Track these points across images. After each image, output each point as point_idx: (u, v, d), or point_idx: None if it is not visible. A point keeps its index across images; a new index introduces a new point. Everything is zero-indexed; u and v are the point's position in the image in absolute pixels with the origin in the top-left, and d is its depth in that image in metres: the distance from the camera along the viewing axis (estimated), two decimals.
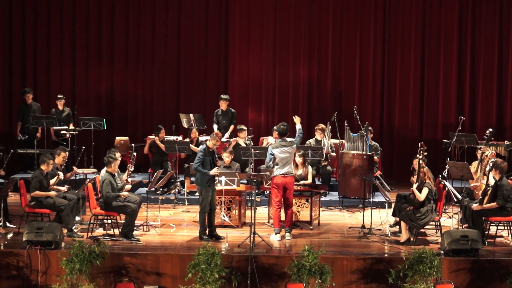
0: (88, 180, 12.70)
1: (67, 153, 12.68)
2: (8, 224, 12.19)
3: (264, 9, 16.96)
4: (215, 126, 15.23)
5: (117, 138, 16.07)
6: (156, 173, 12.73)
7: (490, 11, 16.63)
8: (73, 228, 11.85)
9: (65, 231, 11.63)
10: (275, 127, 13.38)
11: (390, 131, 17.01)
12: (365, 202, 12.95)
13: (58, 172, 12.18)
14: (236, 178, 12.39)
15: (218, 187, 12.01)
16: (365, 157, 14.18)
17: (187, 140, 14.92)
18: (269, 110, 17.08)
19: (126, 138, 16.13)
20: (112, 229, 11.87)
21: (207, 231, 11.80)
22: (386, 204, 12.65)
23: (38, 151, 14.71)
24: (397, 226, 12.14)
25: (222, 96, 15.46)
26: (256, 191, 13.54)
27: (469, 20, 16.70)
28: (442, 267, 10.57)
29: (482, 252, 10.96)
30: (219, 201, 12.35)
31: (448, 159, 14.37)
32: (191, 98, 17.08)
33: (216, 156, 12.01)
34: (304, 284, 10.36)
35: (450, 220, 12.68)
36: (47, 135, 15.67)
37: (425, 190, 11.50)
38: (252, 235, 11.14)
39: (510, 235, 11.82)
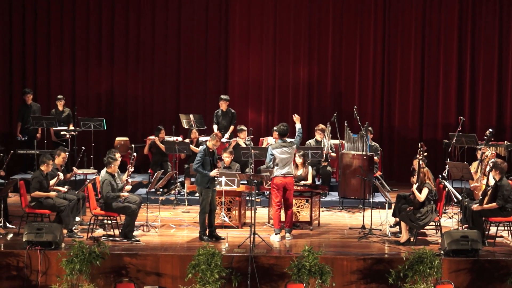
0: (88, 180, 12.70)
1: (67, 153, 12.67)
2: (8, 225, 12.19)
3: (264, 9, 16.96)
4: (215, 127, 15.23)
5: (117, 138, 16.06)
6: (156, 174, 12.73)
7: (490, 11, 16.62)
8: (73, 228, 11.85)
9: (65, 231, 11.64)
10: (275, 128, 13.38)
11: (390, 131, 17.01)
12: (365, 203, 12.96)
13: (58, 172, 12.18)
14: (236, 179, 12.39)
15: (218, 188, 11.98)
16: (365, 157, 14.18)
17: (187, 140, 14.92)
18: (269, 110, 17.07)
19: (126, 138, 16.12)
20: (112, 230, 11.88)
21: (207, 232, 11.80)
22: (386, 205, 12.66)
23: (38, 152, 14.70)
24: (397, 227, 12.14)
25: (222, 96, 15.46)
26: (256, 191, 13.54)
27: (469, 20, 16.70)
28: (442, 267, 10.57)
29: (482, 252, 10.96)
30: (219, 201, 12.35)
31: (448, 159, 14.38)
32: (191, 98, 17.07)
33: (216, 156, 12.00)
34: (304, 285, 10.36)
35: (450, 220, 12.68)
36: (47, 135, 15.66)
37: (425, 191, 11.50)
38: (252, 236, 11.14)
39: (510, 236, 11.82)
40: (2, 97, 17.05)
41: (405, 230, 11.60)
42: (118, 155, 12.05)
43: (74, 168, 12.99)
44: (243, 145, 14.35)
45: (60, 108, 15.83)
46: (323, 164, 14.62)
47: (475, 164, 13.19)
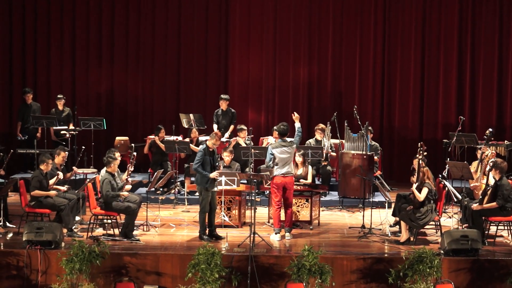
0: (88, 180, 12.70)
1: (67, 153, 12.68)
2: (8, 224, 12.19)
3: (264, 9, 16.96)
4: (215, 126, 15.23)
5: (117, 138, 16.07)
6: (156, 173, 12.72)
7: (490, 11, 16.63)
8: (73, 228, 11.85)
9: (65, 231, 11.63)
10: (275, 127, 13.39)
11: (390, 131, 17.01)
12: (365, 202, 12.95)
13: (58, 172, 12.18)
14: (236, 178, 12.39)
15: (216, 189, 11.91)
16: (365, 157, 14.18)
17: (187, 140, 14.92)
18: (269, 110, 17.08)
19: (126, 138, 16.13)
20: (112, 229, 11.88)
21: (207, 231, 11.80)
22: (386, 204, 12.66)
23: (38, 151, 14.70)
24: (397, 226, 12.14)
25: (222, 96, 15.46)
26: (256, 191, 13.54)
27: (469, 20, 16.70)
28: (442, 267, 10.57)
29: (482, 252, 10.96)
30: (219, 201, 12.35)
31: (448, 159, 14.37)
32: (191, 98, 17.08)
33: (217, 156, 11.99)
34: (304, 284, 10.36)
35: (450, 220, 12.68)
36: (47, 135, 15.67)
37: (424, 190, 11.50)
38: (252, 235, 11.14)
39: (510, 235, 11.82)
40: (2, 97, 17.05)
41: (405, 230, 11.60)
42: (117, 155, 12.04)
43: (74, 167, 12.99)
44: (243, 145, 14.35)
45: (60, 107, 15.83)
46: (323, 164, 14.63)
47: (475, 163, 13.19)
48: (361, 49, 16.91)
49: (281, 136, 11.91)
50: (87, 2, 16.95)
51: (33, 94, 16.12)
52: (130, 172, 12.05)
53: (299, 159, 13.03)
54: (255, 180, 12.18)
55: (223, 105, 15.33)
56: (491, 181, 11.74)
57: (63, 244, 11.11)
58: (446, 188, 12.15)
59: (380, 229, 12.31)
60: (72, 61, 17.02)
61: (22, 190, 11.96)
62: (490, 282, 10.74)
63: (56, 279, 10.64)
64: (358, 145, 14.44)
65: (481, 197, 11.74)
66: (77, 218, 12.32)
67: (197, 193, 12.16)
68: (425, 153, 11.69)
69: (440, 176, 12.89)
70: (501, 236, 11.93)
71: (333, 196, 14.66)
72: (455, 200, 12.29)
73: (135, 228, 11.93)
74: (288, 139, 11.93)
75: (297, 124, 12.01)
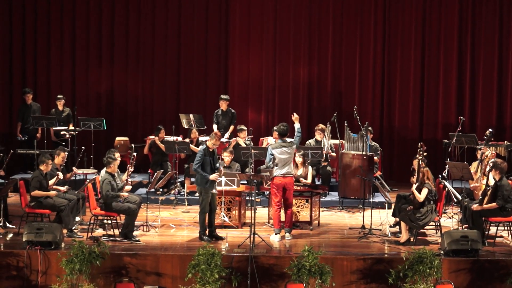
0: (88, 180, 12.70)
1: (67, 153, 12.68)
2: (8, 225, 12.19)
3: (264, 9, 16.95)
4: (215, 127, 15.23)
5: (117, 138, 16.07)
6: (156, 174, 12.73)
7: (490, 11, 16.62)
8: (73, 228, 11.85)
9: (65, 231, 11.64)
10: (275, 128, 13.39)
11: (390, 131, 17.00)
12: (365, 203, 12.95)
13: (58, 172, 12.17)
14: (236, 179, 12.38)
15: (214, 191, 11.88)
16: (365, 157, 14.17)
17: (187, 140, 14.92)
18: (269, 110, 17.07)
19: (126, 138, 16.12)
20: (112, 230, 11.87)
21: (207, 232, 11.80)
22: (386, 205, 12.66)
23: (38, 152, 14.70)
24: (397, 227, 12.14)
25: (222, 96, 15.46)
26: (256, 191, 13.54)
27: (469, 20, 16.69)
28: (442, 267, 10.57)
29: (482, 252, 10.97)
30: (219, 201, 12.34)
31: (448, 159, 14.38)
32: (191, 98, 17.07)
33: (217, 156, 11.99)
34: (304, 285, 10.36)
35: (450, 220, 12.68)
36: (47, 135, 15.67)
37: (424, 191, 11.50)
38: (252, 236, 11.14)
39: (510, 236, 11.82)
40: (2, 97, 17.05)
41: (405, 230, 11.60)
42: (117, 155, 12.04)
43: (74, 168, 12.99)
44: (243, 145, 14.35)
45: (60, 108, 15.83)
46: (323, 164, 14.62)
47: (475, 164, 13.19)
48: (361, 49, 16.90)
49: (281, 136, 11.91)
50: (87, 2, 16.95)
51: (33, 95, 16.12)
52: (130, 172, 12.05)
53: (299, 159, 13.03)
54: (255, 181, 12.18)
55: (223, 106, 15.33)
56: (491, 182, 11.74)
57: (63, 244, 11.12)
58: (446, 189, 12.15)
59: (380, 230, 12.31)
60: (72, 61, 17.02)
61: (22, 191, 11.96)
62: (490, 283, 10.75)
63: (56, 279, 10.64)
64: (358, 145, 14.44)
65: (481, 197, 11.74)
66: (77, 218, 12.31)
67: (197, 194, 12.15)
68: (425, 154, 11.69)
69: (440, 176, 12.89)
70: (501, 236, 11.93)
71: (333, 196, 14.65)
72: (455, 200, 12.30)
73: (135, 229, 11.93)
74: (288, 140, 11.93)
75: (297, 125, 12.01)
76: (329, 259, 10.72)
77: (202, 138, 14.86)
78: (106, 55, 17.04)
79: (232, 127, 15.32)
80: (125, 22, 17.00)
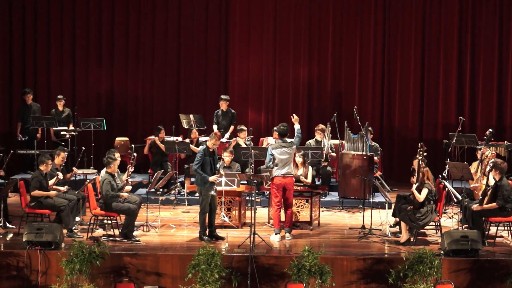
0: (88, 180, 12.70)
1: (66, 153, 12.68)
2: (8, 225, 12.19)
3: (264, 9, 16.95)
4: (215, 127, 15.23)
5: (117, 138, 16.06)
6: (156, 174, 12.73)
7: (490, 11, 16.62)
8: (73, 228, 11.85)
9: (65, 231, 11.63)
10: (275, 128, 13.38)
11: (390, 131, 17.00)
12: (365, 203, 12.95)
13: (57, 172, 12.17)
14: (236, 179, 12.38)
15: (213, 193, 11.87)
16: (365, 157, 14.18)
17: (187, 140, 14.92)
18: (269, 110, 17.07)
19: (126, 138, 16.12)
20: (112, 230, 11.87)
21: (207, 232, 11.80)
22: (386, 205, 12.66)
23: (38, 152, 14.70)
24: (397, 227, 12.14)
25: (222, 96, 15.46)
26: (256, 191, 13.54)
27: (469, 20, 16.70)
28: (442, 267, 10.57)
29: (482, 252, 10.97)
30: (219, 201, 12.34)
31: (448, 159, 14.38)
32: (191, 98, 17.07)
33: (217, 156, 11.98)
34: (304, 285, 10.36)
35: (450, 220, 12.68)
36: (47, 135, 15.67)
37: (424, 191, 11.50)
38: (252, 236, 11.14)
39: (510, 236, 11.82)
40: (2, 97, 17.05)
41: (405, 230, 11.60)
42: (117, 155, 12.04)
43: (74, 168, 12.98)
44: (243, 145, 14.35)
45: (60, 108, 15.83)
46: (323, 164, 14.62)
47: (475, 164, 13.19)
48: (361, 49, 16.90)
49: (281, 136, 11.91)
50: (87, 2, 16.95)
51: (33, 95, 16.12)
52: (130, 172, 12.05)
53: (299, 159, 13.03)
54: (255, 181, 12.18)
55: (223, 106, 15.33)
56: (491, 182, 11.74)
57: (63, 244, 11.12)
58: (446, 189, 12.15)
59: (380, 230, 12.31)
60: (72, 61, 17.02)
61: (22, 191, 11.96)
62: (490, 283, 10.75)
63: (56, 279, 10.64)
64: (358, 145, 14.44)
65: (481, 197, 11.74)
66: (77, 218, 12.31)
67: (197, 194, 12.15)
68: (425, 154, 11.69)
69: (440, 176, 12.89)
70: (501, 236, 11.93)
71: (333, 196, 14.65)
72: (455, 200, 12.30)
73: (135, 229, 11.92)
74: (288, 140, 11.93)
75: (297, 126, 12.00)
76: (329, 259, 10.72)
77: (202, 138, 14.86)
78: (106, 55, 17.04)
79: (232, 127, 15.31)
80: (125, 22, 17.00)
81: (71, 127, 15.59)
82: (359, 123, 14.80)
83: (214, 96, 16.48)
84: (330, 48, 16.94)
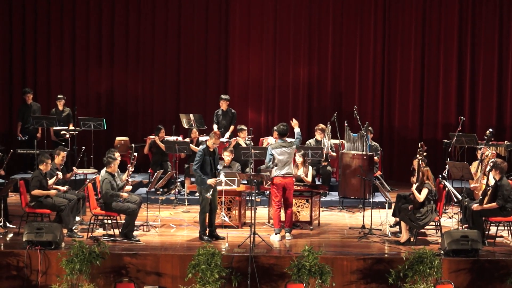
0: (88, 180, 12.70)
1: (66, 153, 12.68)
2: (8, 224, 12.19)
3: (264, 9, 16.96)
4: (215, 126, 15.23)
5: (117, 138, 16.07)
6: (156, 173, 12.72)
7: (490, 11, 16.62)
8: (73, 228, 11.85)
9: (65, 231, 11.63)
10: (275, 128, 13.38)
11: (390, 131, 17.01)
12: (365, 202, 12.95)
13: (57, 172, 12.17)
14: (236, 178, 12.38)
15: (209, 195, 11.84)
16: (365, 157, 14.17)
17: (187, 140, 14.92)
18: (269, 110, 17.07)
19: (126, 138, 16.12)
20: (112, 229, 11.87)
21: (207, 231, 11.79)
22: (386, 205, 12.66)
23: (38, 152, 14.70)
24: (397, 227, 12.14)
25: (222, 96, 15.46)
26: (256, 191, 13.54)
27: (469, 20, 16.70)
28: (442, 267, 10.57)
29: (482, 252, 10.96)
30: (219, 201, 12.34)
31: (448, 159, 14.37)
32: (191, 98, 17.08)
33: (217, 156, 11.97)
34: (304, 284, 10.36)
35: (450, 220, 12.68)
36: (47, 135, 15.67)
37: (424, 191, 11.50)
38: (252, 235, 11.14)
39: (510, 236, 11.82)
40: (2, 97, 17.05)
41: (405, 230, 11.60)
42: (117, 155, 12.04)
43: (74, 167, 12.99)
44: (243, 145, 14.36)
45: (60, 107, 15.83)
46: (323, 164, 14.62)
47: (475, 164, 13.19)
48: (361, 49, 16.91)
49: (280, 136, 11.91)
50: (87, 2, 16.95)
51: (33, 94, 16.12)
52: (130, 172, 12.05)
53: (299, 159, 13.02)
54: (255, 181, 12.18)
55: (223, 105, 15.33)
56: (491, 182, 11.74)
57: (63, 244, 11.12)
58: (446, 189, 12.15)
59: (380, 230, 12.31)
60: (72, 61, 17.02)
61: (22, 190, 11.96)
62: (490, 283, 10.74)
63: (56, 279, 10.64)
64: (358, 145, 14.44)
65: (481, 197, 11.74)
66: (77, 218, 12.31)
67: (197, 194, 12.15)
68: (425, 154, 11.68)
69: (440, 176, 12.88)
70: (501, 236, 11.93)
71: (333, 196, 14.65)
72: (455, 200, 12.29)
73: (135, 229, 11.92)
74: (288, 140, 11.93)
75: (297, 129, 11.99)
76: (329, 259, 10.72)
77: (202, 138, 14.86)
78: (106, 55, 17.04)
79: (232, 127, 15.32)
80: (125, 22, 17.00)
81: (71, 127, 15.60)
82: (359, 123, 14.80)
83: (214, 96, 16.48)
84: (330, 48, 16.94)
